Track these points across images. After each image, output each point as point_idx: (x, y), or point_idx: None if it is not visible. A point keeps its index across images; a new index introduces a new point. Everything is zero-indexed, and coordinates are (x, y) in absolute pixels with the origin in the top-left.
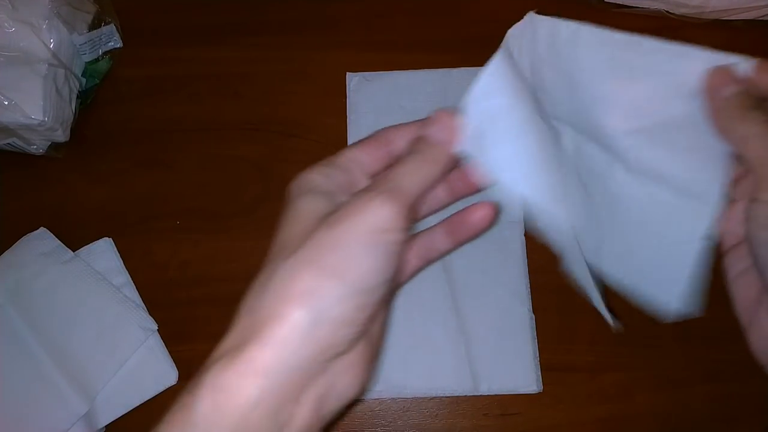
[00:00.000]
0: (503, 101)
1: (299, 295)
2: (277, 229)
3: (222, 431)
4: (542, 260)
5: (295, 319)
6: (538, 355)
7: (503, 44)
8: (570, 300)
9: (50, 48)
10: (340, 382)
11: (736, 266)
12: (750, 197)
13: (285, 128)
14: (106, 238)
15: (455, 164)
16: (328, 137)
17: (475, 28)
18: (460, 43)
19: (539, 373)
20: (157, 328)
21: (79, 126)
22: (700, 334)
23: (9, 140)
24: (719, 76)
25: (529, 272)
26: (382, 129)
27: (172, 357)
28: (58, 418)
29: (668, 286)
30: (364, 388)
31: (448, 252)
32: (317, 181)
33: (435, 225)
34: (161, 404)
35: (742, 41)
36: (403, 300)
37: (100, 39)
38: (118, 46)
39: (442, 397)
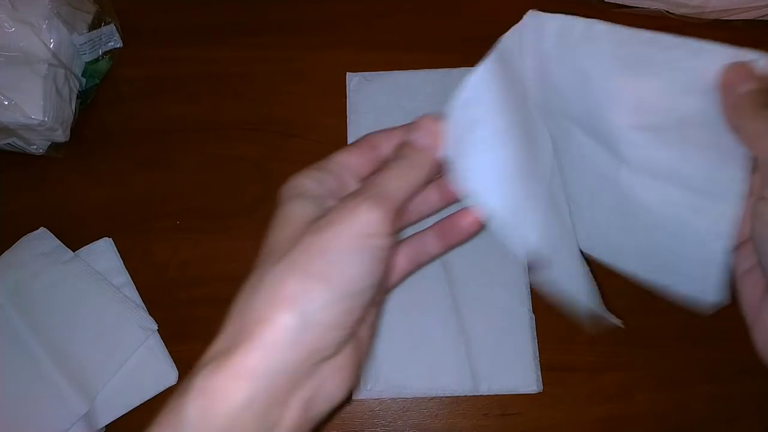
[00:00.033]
0: (483, 111)
1: (287, 300)
2: (267, 232)
3: None
4: None
5: (284, 323)
6: (538, 355)
7: (493, 51)
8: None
9: (50, 48)
10: (328, 385)
11: (744, 264)
12: (757, 195)
13: (285, 128)
14: (106, 238)
15: (441, 169)
16: (328, 137)
17: (475, 28)
18: (460, 43)
19: (539, 373)
20: (157, 328)
21: (79, 126)
22: (700, 334)
23: (9, 140)
24: (736, 72)
25: (529, 272)
26: (370, 134)
27: (172, 357)
28: (58, 418)
29: (697, 281)
30: (351, 391)
31: (439, 256)
32: (307, 186)
33: (426, 229)
34: (161, 404)
35: (742, 41)
36: (403, 300)
37: (100, 39)
38: (118, 46)
39: (442, 397)
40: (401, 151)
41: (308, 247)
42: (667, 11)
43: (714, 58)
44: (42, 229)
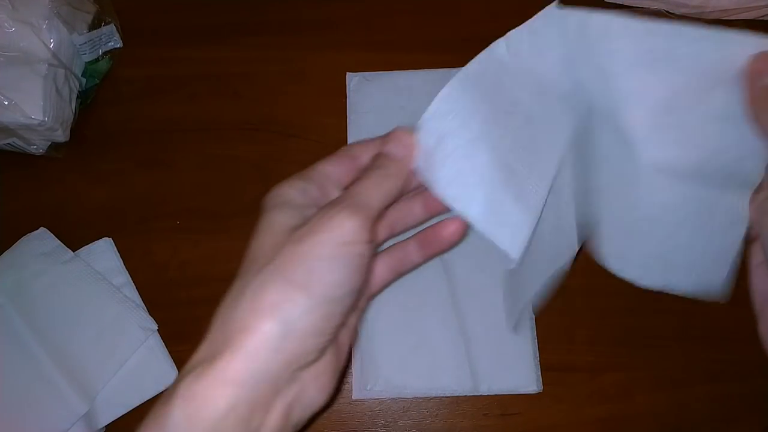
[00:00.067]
0: (455, 122)
1: (269, 308)
2: (250, 240)
3: None
4: None
5: (265, 330)
6: (538, 355)
7: (473, 62)
8: (570, 300)
9: (50, 48)
10: (309, 391)
11: (757, 256)
12: (766, 191)
13: (285, 128)
14: (106, 238)
15: (416, 178)
16: (328, 137)
17: (475, 28)
18: (460, 43)
19: (539, 373)
20: (157, 328)
21: (79, 126)
22: (700, 334)
23: (9, 140)
24: (763, 61)
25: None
26: (348, 145)
27: (172, 357)
28: (58, 418)
29: (708, 274)
30: (331, 397)
31: (419, 265)
32: (290, 195)
33: (408, 238)
34: None
35: None
36: (403, 300)
37: (100, 39)
38: (118, 46)
39: (442, 397)
40: (377, 161)
41: (289, 255)
42: (667, 11)
43: (742, 47)
44: (42, 229)
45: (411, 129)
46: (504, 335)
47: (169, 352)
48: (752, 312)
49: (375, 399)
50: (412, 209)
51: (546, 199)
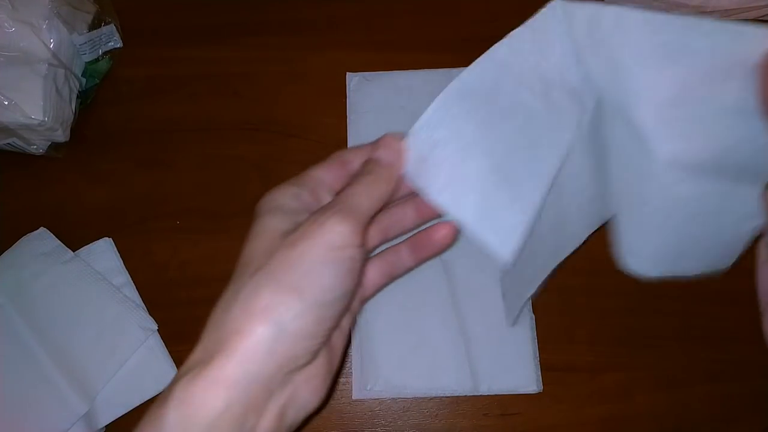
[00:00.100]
0: (447, 131)
1: (262, 311)
2: (243, 245)
3: None
4: None
5: (259, 333)
6: (538, 355)
7: (474, 65)
8: (570, 300)
9: (50, 48)
10: (302, 393)
11: (764, 253)
12: None
13: (285, 128)
14: (106, 238)
15: (407, 184)
16: (328, 137)
17: (475, 28)
18: (460, 43)
19: (539, 373)
20: (157, 328)
21: (79, 126)
22: (700, 334)
23: (9, 140)
24: None
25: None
26: (340, 151)
27: (172, 357)
28: (58, 418)
29: (715, 263)
30: (324, 399)
31: (412, 268)
32: (282, 200)
33: (399, 243)
34: None
35: None
36: (403, 300)
37: (100, 39)
38: (118, 46)
39: (442, 397)
40: (367, 167)
41: (282, 259)
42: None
43: (757, 41)
44: (42, 229)
45: (400, 135)
46: (504, 335)
47: (169, 352)
48: (752, 312)
49: (375, 399)
50: (405, 214)
51: (545, 198)
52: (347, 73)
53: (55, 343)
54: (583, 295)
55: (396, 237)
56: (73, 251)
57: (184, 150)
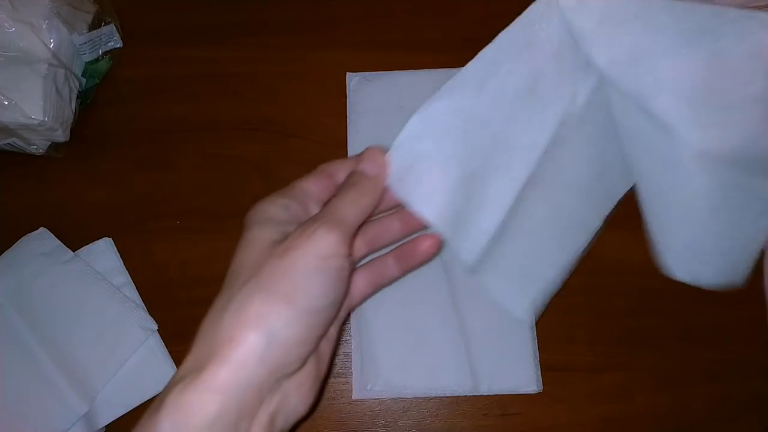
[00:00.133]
0: (428, 144)
1: (253, 319)
2: (233, 256)
3: None
4: None
5: (251, 341)
6: (538, 355)
7: (454, 79)
8: (570, 300)
9: (50, 48)
10: (292, 399)
11: None
12: None
13: (285, 128)
14: (106, 238)
15: (391, 196)
16: (328, 137)
17: (475, 28)
18: (460, 43)
19: (539, 373)
20: (157, 328)
21: (79, 126)
22: (700, 334)
23: (9, 140)
24: None
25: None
26: (325, 164)
27: (172, 357)
28: (58, 418)
29: (734, 262)
30: (312, 406)
31: (398, 278)
32: (271, 212)
33: (385, 254)
34: None
35: None
36: (403, 300)
37: (100, 39)
38: (118, 46)
39: (442, 397)
40: (351, 179)
41: (272, 269)
42: None
43: None
44: (42, 229)
45: (383, 149)
46: (504, 335)
47: (169, 352)
48: (752, 312)
49: (375, 399)
50: (391, 226)
51: (514, 197)
52: (347, 73)
53: (55, 343)
54: (583, 295)
55: (383, 248)
56: (73, 251)
57: (184, 150)
